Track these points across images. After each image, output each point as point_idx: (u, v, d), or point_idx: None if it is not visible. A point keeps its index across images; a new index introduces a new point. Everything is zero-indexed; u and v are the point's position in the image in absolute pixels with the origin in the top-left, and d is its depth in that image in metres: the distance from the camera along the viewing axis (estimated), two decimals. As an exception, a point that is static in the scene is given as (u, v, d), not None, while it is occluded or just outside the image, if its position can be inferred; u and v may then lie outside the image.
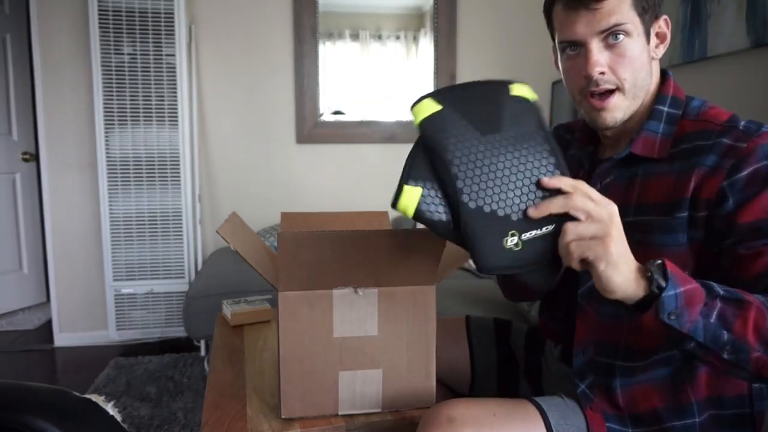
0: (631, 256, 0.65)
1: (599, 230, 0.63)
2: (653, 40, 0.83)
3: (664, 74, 0.88)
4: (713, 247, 0.76)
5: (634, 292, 0.65)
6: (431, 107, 0.70)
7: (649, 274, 0.64)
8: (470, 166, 0.68)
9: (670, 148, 0.81)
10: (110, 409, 0.94)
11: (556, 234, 0.66)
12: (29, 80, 3.34)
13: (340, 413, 0.90)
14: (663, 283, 0.63)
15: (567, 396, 0.86)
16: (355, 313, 0.88)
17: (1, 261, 3.23)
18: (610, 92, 0.81)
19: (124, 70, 2.57)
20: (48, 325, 3.01)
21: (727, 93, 2.04)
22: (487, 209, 0.67)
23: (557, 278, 0.80)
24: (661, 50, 0.85)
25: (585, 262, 0.65)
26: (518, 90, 0.73)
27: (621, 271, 0.63)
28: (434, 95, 0.71)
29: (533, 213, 0.66)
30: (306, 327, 0.87)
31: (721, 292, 0.66)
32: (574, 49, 0.83)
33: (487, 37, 3.06)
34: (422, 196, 0.68)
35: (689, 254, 0.77)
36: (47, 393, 0.89)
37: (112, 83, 2.56)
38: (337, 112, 2.98)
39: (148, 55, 2.59)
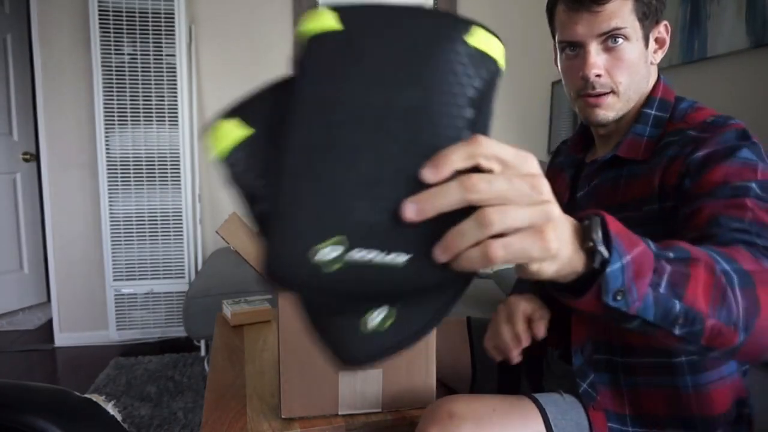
0: (568, 228, 0.44)
1: (536, 216, 0.39)
2: (652, 45, 0.84)
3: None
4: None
5: (571, 272, 0.45)
6: (328, 22, 0.41)
7: (591, 244, 0.45)
8: (324, 129, 0.40)
9: (653, 149, 0.83)
10: (110, 408, 0.94)
11: (411, 270, 0.39)
12: (30, 80, 3.35)
13: (340, 413, 0.91)
14: (606, 254, 0.45)
15: (566, 393, 0.87)
16: (355, 313, 0.88)
17: (1, 261, 3.23)
18: (605, 93, 0.83)
19: (124, 70, 2.57)
20: (48, 325, 3.01)
21: (727, 93, 2.04)
22: (316, 186, 0.39)
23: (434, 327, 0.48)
24: (660, 55, 0.87)
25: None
26: (479, 40, 0.42)
27: (560, 259, 0.43)
28: (341, 9, 0.42)
29: (431, 175, 0.38)
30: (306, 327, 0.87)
31: (670, 255, 0.53)
32: (573, 50, 0.84)
33: (487, 37, 3.06)
34: (241, 143, 0.42)
35: None
36: (48, 393, 0.89)
37: (112, 83, 2.56)
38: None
39: (148, 55, 2.59)
